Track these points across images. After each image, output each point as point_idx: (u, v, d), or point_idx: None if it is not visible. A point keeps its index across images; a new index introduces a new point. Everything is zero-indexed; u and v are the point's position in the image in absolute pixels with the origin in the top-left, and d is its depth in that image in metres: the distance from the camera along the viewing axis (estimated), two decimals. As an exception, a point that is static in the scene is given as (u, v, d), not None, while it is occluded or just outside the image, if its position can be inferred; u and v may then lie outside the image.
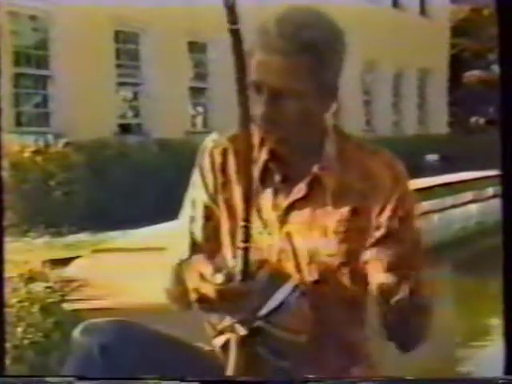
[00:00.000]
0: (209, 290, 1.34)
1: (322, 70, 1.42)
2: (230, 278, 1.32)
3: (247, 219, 1.32)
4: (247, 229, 1.32)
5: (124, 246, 6.30)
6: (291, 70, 1.39)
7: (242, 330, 1.37)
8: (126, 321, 1.51)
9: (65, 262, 5.52)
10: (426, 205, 7.74)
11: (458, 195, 9.27)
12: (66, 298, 4.34)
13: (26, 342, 3.40)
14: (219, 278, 1.32)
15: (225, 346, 1.45)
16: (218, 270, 1.34)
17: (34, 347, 3.37)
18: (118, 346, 1.43)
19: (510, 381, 1.55)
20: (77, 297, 4.42)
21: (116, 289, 4.45)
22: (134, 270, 4.91)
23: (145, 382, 1.43)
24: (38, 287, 4.25)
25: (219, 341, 1.49)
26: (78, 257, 5.85)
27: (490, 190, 9.23)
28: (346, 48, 1.47)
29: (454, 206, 8.97)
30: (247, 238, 1.32)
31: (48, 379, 1.59)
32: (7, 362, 1.88)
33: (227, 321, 1.41)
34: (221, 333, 1.48)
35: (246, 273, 1.32)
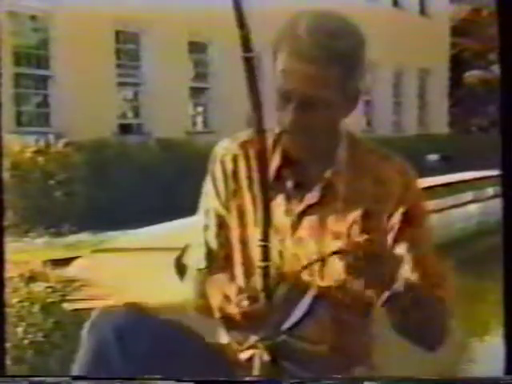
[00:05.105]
0: (233, 311, 1.36)
1: (350, 79, 1.43)
2: (253, 299, 1.33)
3: (265, 238, 1.33)
4: (266, 248, 1.32)
5: (124, 245, 6.30)
6: (323, 79, 1.40)
7: (267, 356, 1.38)
8: (140, 306, 1.52)
9: (65, 261, 5.53)
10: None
11: (459, 195, 9.26)
12: (67, 297, 4.34)
13: (26, 341, 3.40)
14: (243, 301, 1.34)
15: (250, 359, 1.48)
16: (240, 291, 1.36)
17: (35, 347, 3.37)
18: (134, 331, 1.42)
19: (510, 381, 1.55)
20: (77, 297, 4.42)
21: (116, 289, 4.45)
22: (134, 270, 4.91)
23: (145, 382, 1.43)
24: (39, 287, 4.25)
25: (245, 355, 1.51)
26: (78, 257, 5.85)
27: (491, 190, 9.23)
28: (366, 56, 1.47)
29: (454, 206, 8.97)
30: (266, 256, 1.32)
31: (48, 379, 1.59)
32: (7, 362, 1.88)
33: (253, 338, 1.43)
34: (246, 348, 1.50)
35: (267, 291, 1.33)
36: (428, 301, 1.42)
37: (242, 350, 1.52)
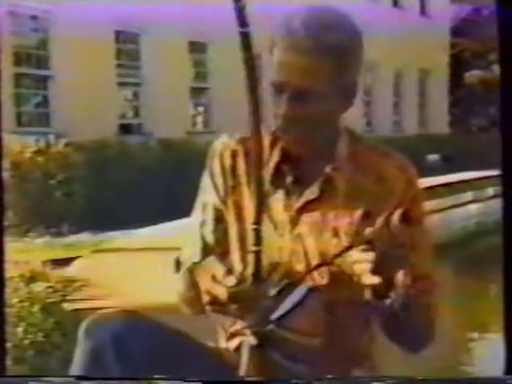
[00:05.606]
0: (220, 292, 1.34)
1: (345, 71, 1.42)
2: (241, 280, 1.32)
3: (258, 222, 1.32)
4: (258, 232, 1.32)
5: (124, 246, 6.30)
6: (316, 70, 1.39)
7: (253, 340, 1.36)
8: (136, 311, 1.52)
9: (65, 261, 5.53)
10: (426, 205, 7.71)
11: (459, 195, 9.27)
12: (67, 298, 4.34)
13: (26, 342, 3.40)
14: (231, 280, 1.33)
15: (238, 349, 1.46)
16: (229, 271, 1.35)
17: (35, 347, 3.38)
18: (130, 336, 1.42)
19: (510, 381, 1.55)
20: (77, 297, 4.42)
21: (116, 289, 4.45)
22: (134, 270, 4.92)
23: (148, 382, 1.43)
24: (39, 287, 4.25)
25: (232, 344, 1.50)
26: (78, 257, 5.85)
27: (491, 190, 9.23)
28: (363, 50, 1.46)
29: (454, 206, 8.97)
30: (258, 241, 1.32)
31: (48, 379, 1.59)
32: (8, 362, 1.88)
33: (240, 324, 1.41)
34: (234, 335, 1.48)
35: (258, 276, 1.32)
36: (414, 309, 1.42)
37: (229, 338, 1.50)
